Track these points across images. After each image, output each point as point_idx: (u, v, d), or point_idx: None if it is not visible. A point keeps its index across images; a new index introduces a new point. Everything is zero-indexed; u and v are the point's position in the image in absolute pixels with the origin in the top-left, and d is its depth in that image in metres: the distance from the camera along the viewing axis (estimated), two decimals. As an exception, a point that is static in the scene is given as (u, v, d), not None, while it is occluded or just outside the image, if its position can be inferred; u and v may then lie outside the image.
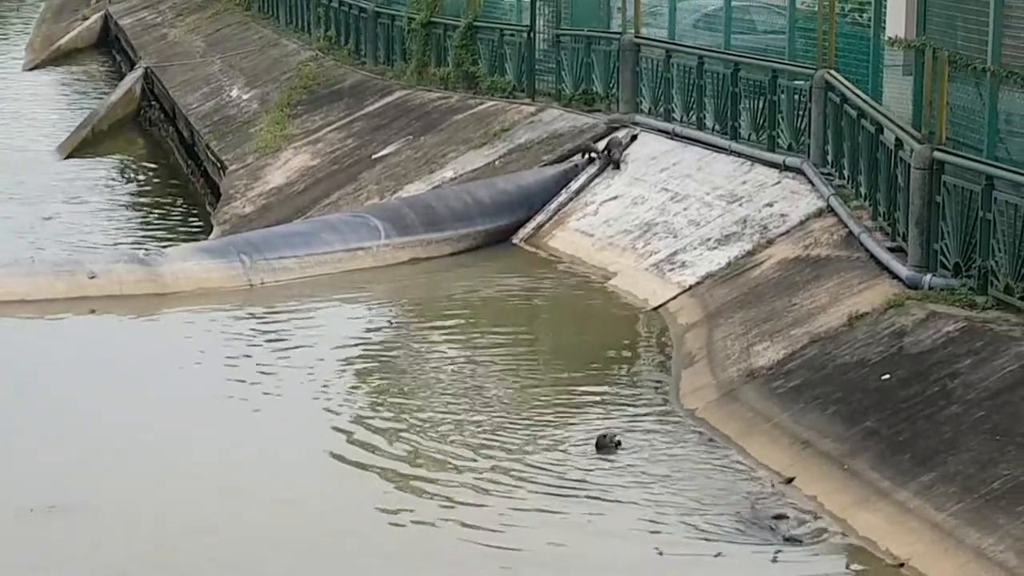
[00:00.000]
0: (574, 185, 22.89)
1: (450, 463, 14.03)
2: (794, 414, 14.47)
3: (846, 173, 19.24)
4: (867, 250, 17.32)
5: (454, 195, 22.94)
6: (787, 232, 19.04)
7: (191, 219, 28.66)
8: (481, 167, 24.45)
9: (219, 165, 30.00)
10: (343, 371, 16.86)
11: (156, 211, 29.34)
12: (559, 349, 18.13)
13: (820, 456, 13.63)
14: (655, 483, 13.56)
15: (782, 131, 21.06)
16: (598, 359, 17.24)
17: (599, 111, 25.07)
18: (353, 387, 16.35)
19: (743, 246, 19.20)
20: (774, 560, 12.10)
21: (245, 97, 34.38)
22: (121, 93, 38.57)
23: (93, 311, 19.25)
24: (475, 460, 14.09)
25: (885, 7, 19.09)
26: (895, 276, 16.39)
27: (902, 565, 11.81)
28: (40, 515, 12.93)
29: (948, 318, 14.85)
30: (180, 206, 30.00)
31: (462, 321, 19.06)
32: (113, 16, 49.92)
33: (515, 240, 22.51)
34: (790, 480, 13.48)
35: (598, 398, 15.81)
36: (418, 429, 14.93)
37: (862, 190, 18.51)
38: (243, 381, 16.54)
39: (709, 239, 19.82)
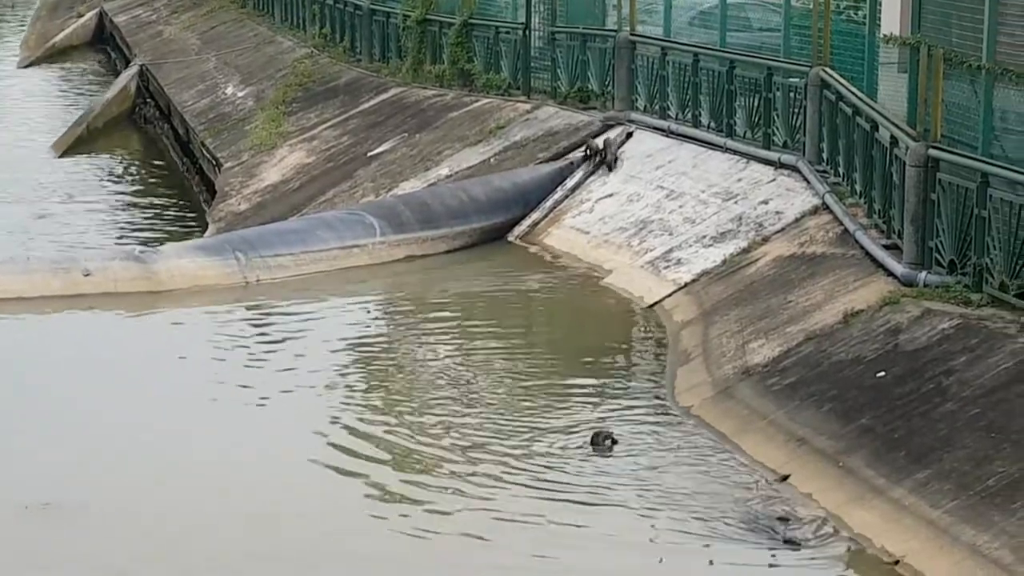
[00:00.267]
0: (570, 182, 22.89)
1: (446, 460, 14.03)
2: (789, 411, 14.48)
3: (841, 170, 19.26)
4: (862, 247, 17.33)
5: (450, 193, 22.93)
6: (782, 229, 19.05)
7: (186, 217, 28.64)
8: (476, 164, 24.44)
9: (214, 162, 29.97)
10: (339, 369, 16.85)
11: (151, 209, 29.31)
12: (554, 346, 18.12)
13: (815, 453, 13.63)
14: (650, 480, 13.55)
15: (777, 128, 21.06)
16: (593, 356, 17.23)
17: (594, 108, 25.07)
18: (349, 385, 16.35)
19: (738, 243, 19.20)
20: (772, 559, 12.10)
21: (240, 94, 34.33)
22: (116, 91, 38.52)
23: (91, 308, 19.28)
24: (470, 458, 14.08)
25: (880, 4, 19.10)
26: (890, 273, 16.40)
27: (897, 562, 11.81)
28: (37, 514, 12.91)
29: (943, 315, 14.86)
30: (175, 204, 29.97)
31: (458, 319, 19.07)
32: (108, 13, 49.84)
33: (510, 238, 22.51)
34: (785, 478, 13.48)
35: (593, 395, 15.82)
36: (415, 427, 14.92)
37: (857, 187, 18.52)
38: (240, 379, 16.52)
39: (704, 236, 19.83)
